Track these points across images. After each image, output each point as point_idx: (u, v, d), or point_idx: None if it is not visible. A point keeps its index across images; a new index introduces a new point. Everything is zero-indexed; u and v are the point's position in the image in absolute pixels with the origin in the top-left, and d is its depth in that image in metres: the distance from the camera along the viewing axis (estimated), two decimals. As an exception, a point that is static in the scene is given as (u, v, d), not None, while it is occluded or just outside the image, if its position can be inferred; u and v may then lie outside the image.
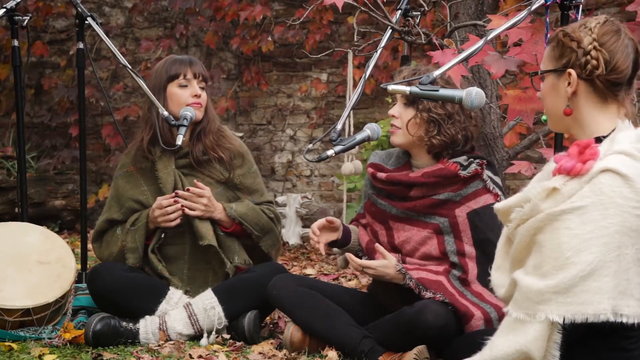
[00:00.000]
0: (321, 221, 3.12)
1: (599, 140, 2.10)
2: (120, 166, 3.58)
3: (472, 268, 2.97)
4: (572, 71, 2.14)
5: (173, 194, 3.38)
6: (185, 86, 3.47)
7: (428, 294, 2.91)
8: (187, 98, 3.46)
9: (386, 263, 2.99)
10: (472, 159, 3.02)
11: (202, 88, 3.50)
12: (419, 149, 3.09)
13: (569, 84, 2.14)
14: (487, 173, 3.02)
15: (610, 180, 1.98)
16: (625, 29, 2.16)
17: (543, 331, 1.98)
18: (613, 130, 2.12)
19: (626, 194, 1.97)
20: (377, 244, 3.06)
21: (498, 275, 2.22)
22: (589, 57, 2.11)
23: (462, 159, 3.02)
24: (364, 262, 3.01)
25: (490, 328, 2.85)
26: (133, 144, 3.60)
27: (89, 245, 3.84)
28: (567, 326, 1.97)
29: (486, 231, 2.95)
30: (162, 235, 3.44)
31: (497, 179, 3.05)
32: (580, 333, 2.00)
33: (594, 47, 2.11)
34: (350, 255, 3.04)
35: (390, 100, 5.08)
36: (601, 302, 1.95)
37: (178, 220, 3.38)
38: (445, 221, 3.00)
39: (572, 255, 1.96)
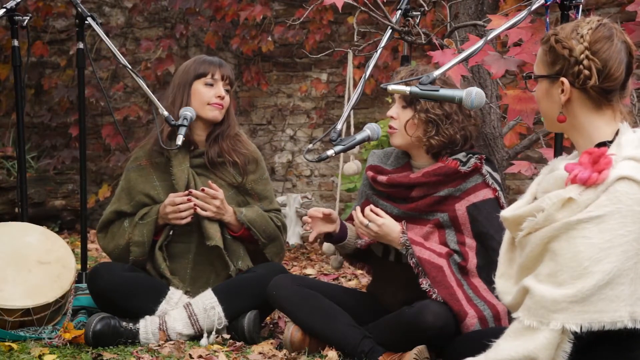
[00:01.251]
0: (319, 210, 3.11)
1: (603, 145, 2.09)
2: (133, 159, 3.58)
3: (472, 257, 2.98)
4: (565, 80, 2.12)
5: (186, 192, 3.39)
6: (211, 85, 3.48)
7: (424, 284, 2.90)
8: (210, 97, 3.46)
9: (390, 223, 2.97)
10: (470, 155, 3.03)
11: (227, 91, 3.51)
12: (418, 150, 3.09)
13: (562, 91, 2.13)
14: (486, 168, 3.04)
15: (628, 188, 1.98)
16: (618, 31, 2.13)
17: (553, 339, 1.97)
18: (616, 134, 2.11)
19: None
20: (372, 207, 3.02)
21: (503, 283, 2.21)
22: (581, 66, 2.10)
23: (460, 156, 3.03)
24: (371, 215, 2.97)
25: (489, 328, 2.86)
26: (149, 137, 3.60)
27: (89, 245, 3.85)
28: (583, 334, 1.96)
29: (486, 224, 2.96)
30: (171, 233, 3.44)
31: (496, 175, 3.06)
32: (589, 340, 2.00)
33: (586, 57, 2.09)
34: (356, 210, 3.00)
35: (390, 100, 5.08)
36: (618, 309, 1.95)
37: (189, 219, 3.39)
38: (445, 215, 3.01)
39: (590, 265, 1.95)
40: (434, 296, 2.89)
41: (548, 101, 2.18)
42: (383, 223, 2.96)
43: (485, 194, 3.01)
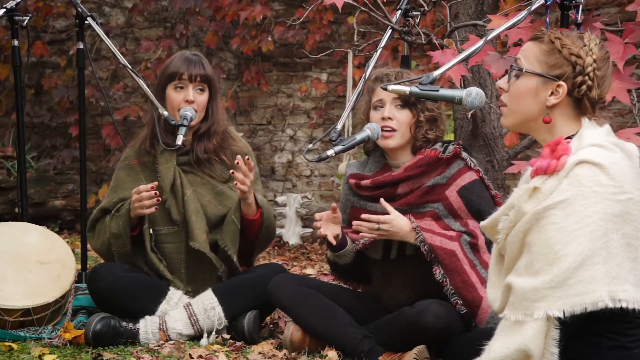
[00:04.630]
0: (327, 212, 3.10)
1: (568, 138, 2.15)
2: (123, 158, 3.57)
3: (480, 234, 3.00)
4: (564, 85, 2.16)
5: (154, 183, 3.32)
6: (182, 88, 3.45)
7: (438, 273, 2.92)
8: (180, 102, 3.42)
9: (398, 217, 2.96)
10: (446, 143, 3.10)
11: (202, 90, 3.47)
12: (405, 148, 3.12)
13: (552, 93, 2.17)
14: (464, 153, 3.09)
15: (587, 171, 2.03)
16: (609, 54, 2.23)
17: (540, 328, 2.00)
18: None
19: (604, 181, 2.02)
20: (381, 199, 3.02)
21: (494, 292, 2.26)
22: (586, 77, 2.16)
23: (437, 145, 3.09)
24: (380, 217, 2.96)
25: (489, 328, 2.85)
26: (138, 137, 3.58)
27: (89, 245, 3.84)
28: (566, 319, 1.98)
29: (480, 202, 3.00)
30: (151, 231, 3.41)
31: (474, 160, 3.11)
32: (577, 326, 2.01)
33: (593, 70, 2.16)
34: (367, 216, 2.98)
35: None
36: (596, 289, 1.98)
37: (153, 209, 3.30)
38: (439, 205, 3.03)
39: (561, 249, 1.99)
40: (446, 288, 2.91)
41: (531, 99, 2.21)
42: (392, 219, 2.96)
43: (470, 176, 3.05)
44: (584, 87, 2.16)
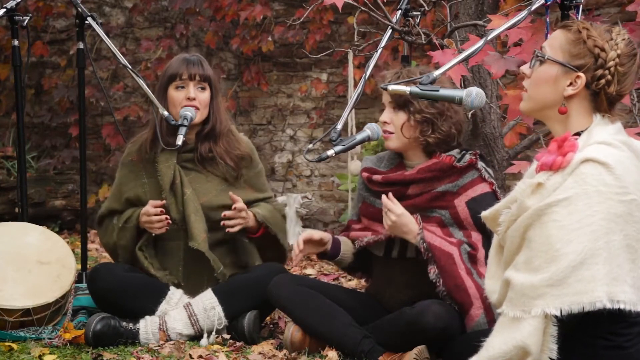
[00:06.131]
0: (312, 236, 3.13)
1: (577, 134, 2.14)
2: (126, 154, 3.59)
3: (480, 248, 2.99)
4: (583, 76, 2.15)
5: (163, 201, 3.37)
6: (183, 87, 3.45)
7: (432, 273, 2.91)
8: (181, 101, 3.43)
9: (407, 215, 2.95)
10: (464, 151, 3.06)
11: (203, 88, 3.48)
12: (414, 150, 3.11)
13: (571, 84, 2.16)
14: (480, 163, 3.07)
15: (592, 170, 2.02)
16: (638, 51, 2.18)
17: (538, 325, 2.00)
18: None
19: (608, 181, 2.01)
20: (390, 194, 3.00)
21: (492, 283, 2.25)
22: (606, 71, 2.13)
23: (455, 152, 3.06)
24: (389, 204, 2.94)
25: (489, 329, 2.86)
26: (140, 135, 3.59)
27: (89, 245, 3.86)
28: (564, 317, 1.98)
29: None
30: (153, 234, 3.42)
31: (491, 171, 3.08)
32: (575, 323, 2.02)
33: (615, 65, 2.13)
34: (389, 199, 2.97)
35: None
36: (595, 289, 1.97)
37: (163, 230, 3.37)
38: (446, 213, 3.02)
39: (562, 247, 1.99)
40: (438, 289, 2.90)
41: (550, 87, 2.19)
42: (401, 214, 2.95)
43: (482, 188, 3.03)
44: (602, 81, 2.13)
